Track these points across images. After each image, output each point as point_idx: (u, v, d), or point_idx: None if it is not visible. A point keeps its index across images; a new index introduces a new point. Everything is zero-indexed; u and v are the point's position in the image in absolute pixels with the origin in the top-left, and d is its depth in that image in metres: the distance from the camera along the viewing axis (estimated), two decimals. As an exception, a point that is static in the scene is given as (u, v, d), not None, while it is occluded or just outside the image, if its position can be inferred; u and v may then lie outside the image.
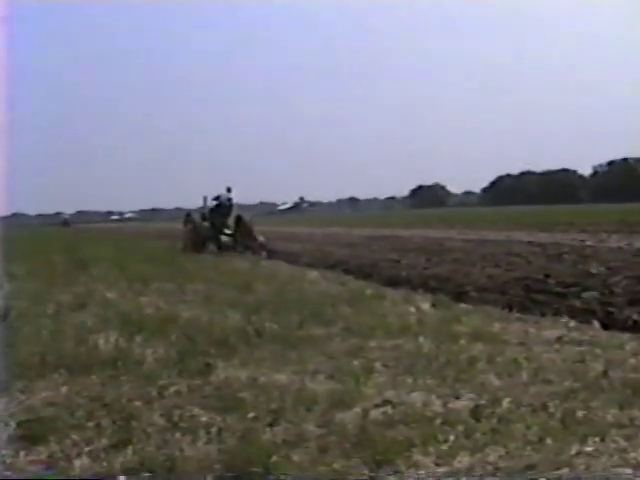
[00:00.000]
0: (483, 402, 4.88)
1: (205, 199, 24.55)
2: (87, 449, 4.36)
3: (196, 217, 24.66)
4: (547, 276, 11.45)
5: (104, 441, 4.46)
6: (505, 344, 6.79)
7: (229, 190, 24.00)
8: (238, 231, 22.92)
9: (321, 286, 11.88)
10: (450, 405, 4.89)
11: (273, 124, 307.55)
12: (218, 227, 23.49)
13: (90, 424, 4.76)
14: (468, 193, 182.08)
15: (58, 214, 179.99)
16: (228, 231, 23.34)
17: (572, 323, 7.82)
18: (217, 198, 23.92)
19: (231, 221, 23.34)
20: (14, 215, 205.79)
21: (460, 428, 4.39)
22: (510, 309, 8.80)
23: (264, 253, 20.63)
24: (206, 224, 23.85)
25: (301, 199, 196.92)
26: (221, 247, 22.93)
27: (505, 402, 4.84)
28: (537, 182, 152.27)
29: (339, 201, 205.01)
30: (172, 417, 4.84)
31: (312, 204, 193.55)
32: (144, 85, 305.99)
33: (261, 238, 22.35)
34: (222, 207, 23.76)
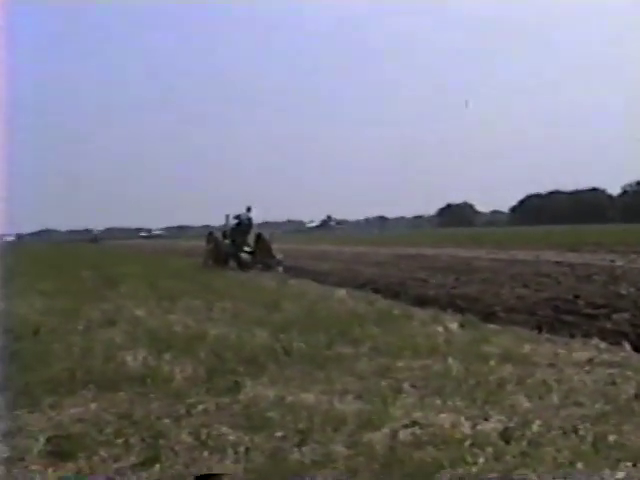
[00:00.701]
0: (513, 424, 4.84)
1: (227, 218, 25.57)
2: (115, 466, 4.37)
3: (218, 235, 25.88)
4: (577, 297, 11.36)
5: (132, 458, 4.47)
6: (535, 365, 6.73)
7: (249, 209, 24.97)
8: (257, 248, 23.87)
9: (349, 305, 11.85)
10: (479, 427, 4.85)
11: (301, 141, 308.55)
12: (238, 244, 24.44)
13: (118, 441, 4.77)
14: (496, 212, 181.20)
15: (88, 230, 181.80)
16: (248, 248, 24.27)
17: (603, 345, 7.74)
18: (238, 217, 24.96)
19: (251, 239, 24.32)
20: (45, 231, 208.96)
21: (489, 450, 4.35)
22: (539, 330, 8.73)
23: (280, 269, 21.83)
24: (227, 242, 24.94)
25: (329, 217, 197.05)
26: (241, 263, 23.80)
27: (535, 425, 4.79)
28: (566, 201, 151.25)
29: (367, 219, 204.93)
30: (200, 435, 4.84)
31: (340, 222, 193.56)
32: (174, 101, 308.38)
33: (279, 255, 23.26)
34: (242, 225, 24.75)
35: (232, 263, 24.37)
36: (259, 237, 24.11)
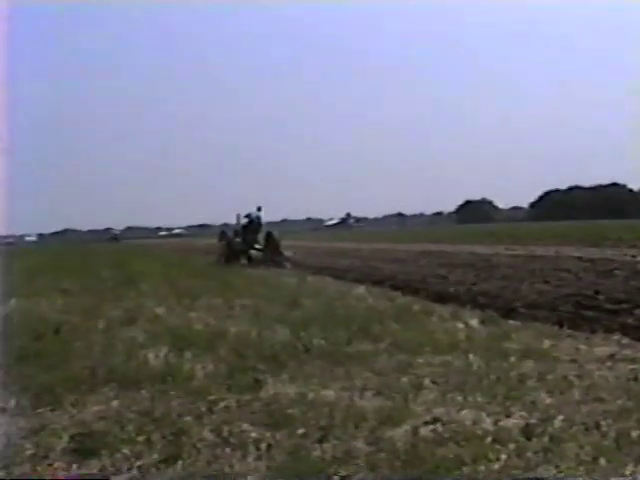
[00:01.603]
0: (534, 420, 4.83)
1: (238, 217, 26.67)
2: (138, 463, 4.40)
3: (229, 233, 27.11)
4: (597, 292, 11.29)
5: (154, 456, 4.50)
6: (556, 361, 6.71)
7: (259, 209, 26.07)
8: (267, 246, 24.81)
9: (368, 302, 11.85)
10: (501, 423, 4.84)
11: (319, 139, 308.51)
12: (249, 242, 25.59)
13: (140, 438, 4.80)
14: (516, 208, 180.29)
15: (108, 230, 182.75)
16: (258, 246, 25.34)
17: (624, 340, 7.70)
18: (248, 216, 26.06)
19: (261, 237, 25.37)
20: (65, 231, 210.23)
21: (511, 447, 4.35)
22: (560, 326, 8.69)
23: (288, 265, 22.76)
24: (238, 240, 26.01)
25: (348, 215, 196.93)
26: (251, 260, 24.92)
27: (557, 421, 4.78)
28: (586, 197, 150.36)
29: (386, 216, 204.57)
30: (221, 433, 4.86)
31: (359, 219, 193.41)
32: (192, 101, 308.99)
33: (287, 252, 24.50)
34: (253, 224, 25.84)
35: (243, 260, 25.28)
36: (269, 235, 25.01)
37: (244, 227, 26.02)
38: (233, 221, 27.53)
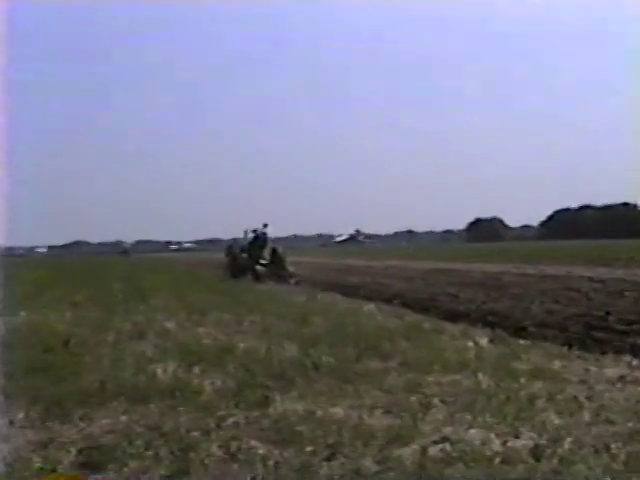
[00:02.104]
0: (543, 441, 4.81)
1: (245, 233, 27.31)
2: (145, 478, 4.40)
3: (236, 249, 27.81)
4: (608, 313, 11.25)
5: (162, 471, 4.50)
6: (566, 382, 6.68)
7: (265, 226, 26.61)
8: (273, 262, 25.56)
9: (378, 319, 11.83)
10: (510, 444, 4.82)
11: (331, 156, 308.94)
12: (254, 258, 26.10)
13: (149, 453, 4.80)
14: (526, 227, 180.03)
15: (118, 243, 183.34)
16: (263, 261, 25.93)
17: (635, 362, 7.66)
18: (255, 232, 26.66)
19: (267, 253, 26.01)
20: (76, 243, 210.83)
21: (520, 468, 4.33)
22: (570, 346, 8.66)
23: (292, 281, 23.29)
24: (244, 255, 26.64)
25: (357, 231, 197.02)
26: (256, 275, 25.20)
27: (566, 442, 4.75)
28: (596, 216, 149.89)
29: (396, 233, 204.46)
30: (230, 449, 4.85)
31: (368, 236, 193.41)
32: (205, 116, 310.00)
33: (291, 268, 25.19)
34: (259, 240, 26.46)
35: (248, 275, 25.63)
36: (274, 251, 25.77)
37: (250, 243, 26.60)
38: (242, 236, 28.01)
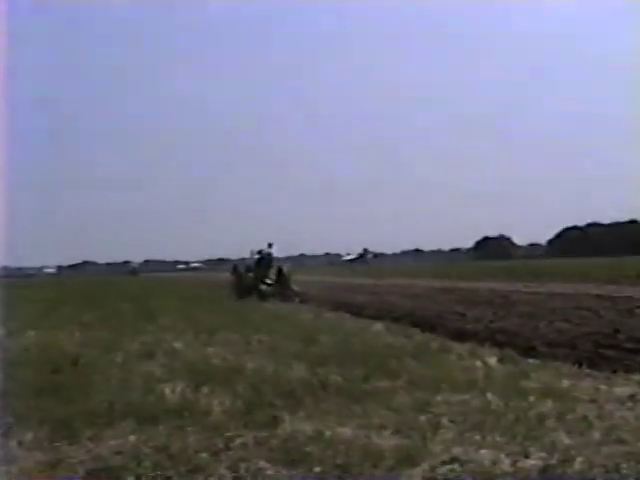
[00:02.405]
0: (554, 461, 4.78)
1: (251, 253, 27.79)
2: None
3: (241, 268, 28.41)
4: (617, 331, 11.22)
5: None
6: (575, 401, 6.65)
7: (270, 245, 27.34)
8: (278, 281, 26.13)
9: (386, 339, 11.81)
10: (519, 464, 4.80)
11: (337, 174, 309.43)
12: (260, 277, 26.62)
13: (157, 474, 4.78)
14: (534, 245, 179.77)
15: (126, 263, 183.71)
16: (268, 281, 26.45)
17: (645, 380, 7.62)
18: (260, 252, 27.25)
19: (272, 272, 26.60)
20: (84, 263, 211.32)
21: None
22: (580, 365, 8.62)
23: (297, 299, 23.73)
24: (250, 274, 27.21)
25: (365, 250, 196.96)
26: (262, 294, 25.39)
27: (577, 462, 4.73)
28: (604, 234, 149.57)
29: (403, 252, 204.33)
30: (238, 470, 4.84)
31: (376, 255, 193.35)
32: (216, 131, 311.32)
33: (296, 287, 25.81)
34: (264, 260, 27.02)
35: (253, 294, 25.81)
36: (280, 271, 26.34)
37: (256, 263, 27.14)
38: (248, 256, 28.50)
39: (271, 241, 27.69)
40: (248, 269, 27.61)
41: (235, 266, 29.91)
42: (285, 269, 26.53)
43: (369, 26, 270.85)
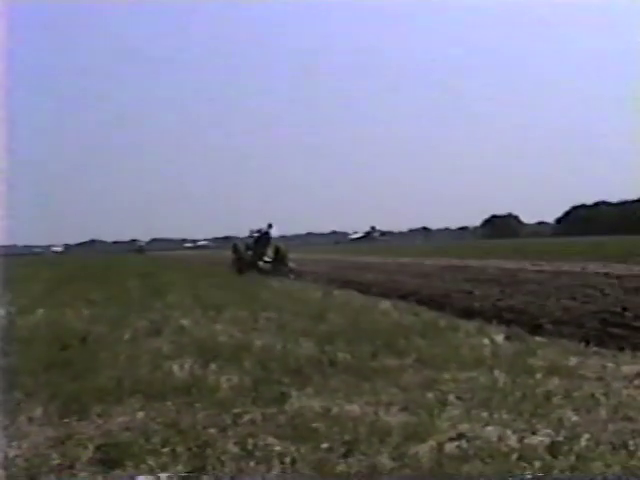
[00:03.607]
0: (560, 438, 4.79)
1: (251, 232, 29.77)
2: (163, 475, 4.41)
3: (241, 246, 30.49)
4: (625, 309, 11.20)
5: (179, 467, 4.51)
6: (582, 379, 6.66)
7: (270, 226, 29.13)
8: (276, 259, 27.80)
9: (393, 316, 11.83)
10: (526, 440, 4.81)
11: (345, 154, 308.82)
12: (258, 255, 28.62)
13: (165, 450, 4.81)
14: (541, 223, 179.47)
15: (133, 241, 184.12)
16: (267, 259, 28.35)
17: (652, 358, 7.62)
18: (259, 232, 29.12)
19: (270, 250, 28.40)
20: (91, 242, 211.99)
21: (537, 464, 4.32)
22: (587, 343, 8.62)
23: (292, 276, 25.39)
24: (249, 252, 29.22)
25: (372, 228, 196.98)
26: (259, 270, 27.42)
27: (583, 439, 4.74)
28: (612, 212, 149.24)
29: (411, 231, 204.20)
30: (246, 445, 4.86)
31: (383, 233, 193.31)
32: (222, 114, 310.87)
33: (291, 264, 27.56)
34: (262, 239, 28.89)
35: (252, 270, 27.69)
36: (277, 249, 28.11)
37: (255, 241, 29.07)
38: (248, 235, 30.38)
39: (273, 222, 29.34)
40: (247, 247, 29.54)
41: (235, 244, 31.80)
42: (282, 248, 28.27)
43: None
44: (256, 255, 28.63)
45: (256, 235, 29.18)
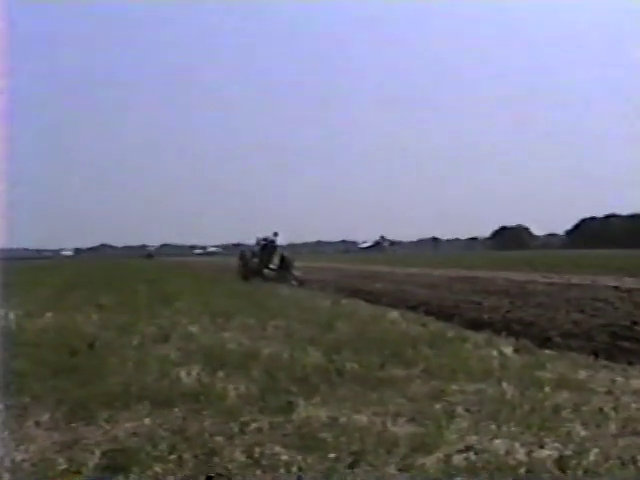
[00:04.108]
0: (569, 452, 4.76)
1: (258, 240, 30.44)
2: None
3: (248, 254, 31.10)
4: (635, 323, 11.16)
5: (185, 475, 4.50)
6: (591, 393, 6.62)
7: (275, 234, 29.90)
8: (281, 266, 28.63)
9: (402, 327, 11.79)
10: (534, 454, 4.78)
11: (355, 163, 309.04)
12: (264, 262, 29.31)
13: (172, 457, 4.81)
14: (551, 235, 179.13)
15: (143, 246, 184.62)
16: (272, 266, 29.10)
17: (662, 373, 7.58)
18: (265, 240, 29.89)
19: (276, 258, 29.11)
20: (101, 246, 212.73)
21: (545, 478, 4.29)
22: (596, 356, 8.58)
23: (295, 282, 26.26)
24: (255, 260, 29.86)
25: (382, 238, 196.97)
26: (264, 278, 28.05)
27: (592, 454, 4.71)
28: (622, 225, 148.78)
29: (420, 240, 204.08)
30: (253, 454, 4.85)
31: (392, 243, 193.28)
32: (232, 121, 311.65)
33: (296, 272, 28.16)
34: (268, 247, 29.54)
35: (257, 277, 28.45)
36: (283, 257, 28.87)
37: (261, 249, 29.75)
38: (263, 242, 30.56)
39: (283, 230, 30.92)
40: (254, 255, 30.25)
41: (242, 252, 32.63)
42: (287, 256, 29.02)
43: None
44: (262, 263, 29.35)
45: (263, 243, 29.90)
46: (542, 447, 4.93)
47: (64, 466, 4.71)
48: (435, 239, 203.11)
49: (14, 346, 9.42)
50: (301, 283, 26.34)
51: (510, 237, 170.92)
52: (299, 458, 4.73)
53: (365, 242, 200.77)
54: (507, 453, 4.80)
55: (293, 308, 15.22)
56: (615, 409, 5.95)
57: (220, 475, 4.33)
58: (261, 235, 30.36)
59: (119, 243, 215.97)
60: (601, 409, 5.94)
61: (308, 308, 15.44)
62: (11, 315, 13.97)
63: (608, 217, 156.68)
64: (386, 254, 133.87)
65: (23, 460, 4.87)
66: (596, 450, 4.78)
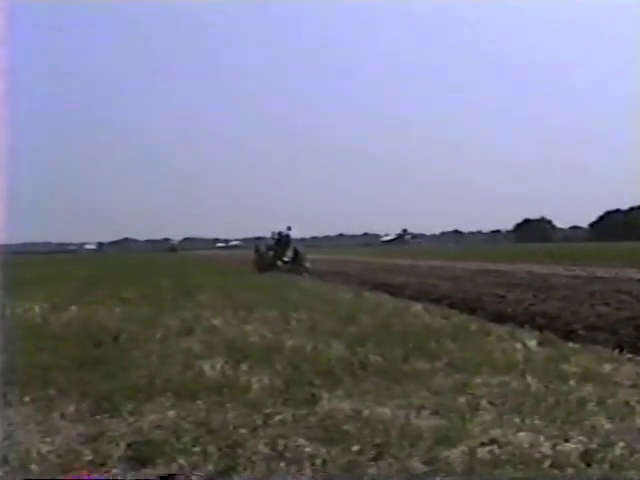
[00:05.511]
0: (594, 446, 4.73)
1: (272, 234, 32.46)
2: (193, 474, 4.42)
3: (262, 247, 33.40)
4: (660, 316, 11.04)
5: (210, 467, 4.52)
6: (616, 386, 6.58)
7: (289, 228, 32.19)
8: (294, 259, 30.91)
9: (425, 320, 11.76)
10: (559, 447, 4.75)
11: (377, 156, 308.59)
12: (278, 255, 31.53)
13: (196, 449, 4.82)
14: (575, 228, 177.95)
15: (166, 240, 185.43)
16: (286, 259, 31.31)
17: (687, 366, 7.51)
18: (279, 234, 32.06)
19: (289, 251, 31.42)
20: (124, 240, 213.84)
21: (570, 472, 4.27)
22: (621, 349, 8.52)
23: (306, 274, 27.75)
24: (270, 253, 32.04)
25: (404, 231, 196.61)
26: (278, 270, 29.96)
27: (618, 447, 4.67)
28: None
29: (443, 233, 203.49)
30: (277, 446, 4.86)
31: (415, 236, 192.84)
32: (254, 112, 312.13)
33: (307, 264, 30.42)
34: (282, 241, 31.76)
35: (272, 269, 30.32)
36: (296, 251, 31.20)
37: (276, 243, 31.90)
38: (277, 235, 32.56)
39: (304, 224, 32.69)
40: (269, 248, 32.36)
41: (257, 246, 34.76)
42: (300, 249, 31.39)
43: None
44: (276, 255, 31.38)
45: (277, 237, 31.89)
46: (567, 440, 4.90)
47: (90, 457, 4.74)
48: (457, 232, 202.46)
49: (40, 339, 9.50)
50: (312, 274, 27.66)
51: (533, 230, 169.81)
52: (323, 450, 4.74)
53: (387, 235, 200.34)
54: (531, 446, 4.78)
55: (315, 301, 15.23)
56: (640, 402, 5.91)
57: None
58: (276, 229, 32.33)
59: (142, 237, 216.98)
60: (627, 402, 5.90)
61: (331, 301, 15.45)
62: (36, 308, 14.08)
63: (632, 209, 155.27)
64: (408, 247, 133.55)
65: (49, 451, 4.90)
66: (622, 444, 4.74)
